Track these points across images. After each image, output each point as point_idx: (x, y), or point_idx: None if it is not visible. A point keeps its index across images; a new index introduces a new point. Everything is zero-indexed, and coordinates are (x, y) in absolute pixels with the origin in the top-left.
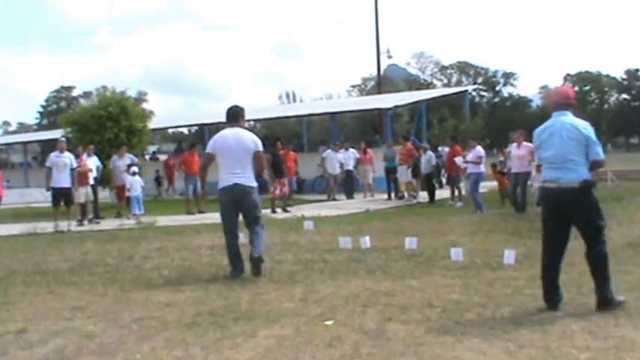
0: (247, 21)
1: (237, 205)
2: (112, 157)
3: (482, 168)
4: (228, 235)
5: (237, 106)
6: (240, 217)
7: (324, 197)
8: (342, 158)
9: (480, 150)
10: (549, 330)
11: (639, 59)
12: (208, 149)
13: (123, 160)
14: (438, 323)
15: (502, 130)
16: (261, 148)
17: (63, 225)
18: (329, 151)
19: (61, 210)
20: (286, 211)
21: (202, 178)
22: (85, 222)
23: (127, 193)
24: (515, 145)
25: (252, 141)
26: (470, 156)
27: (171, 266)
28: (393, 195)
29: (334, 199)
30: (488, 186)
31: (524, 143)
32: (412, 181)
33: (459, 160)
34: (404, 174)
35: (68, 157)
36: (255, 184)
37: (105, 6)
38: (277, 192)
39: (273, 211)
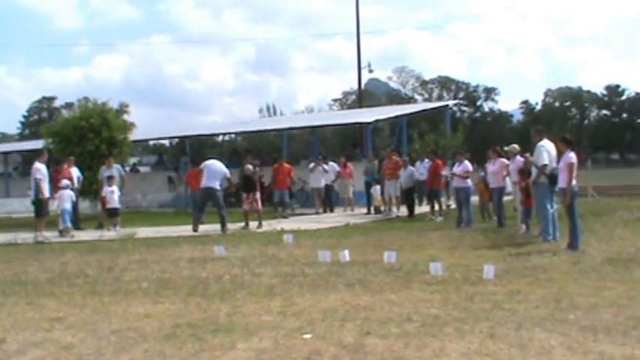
0: (228, 34)
1: (207, 197)
2: (100, 168)
3: (470, 182)
4: (197, 211)
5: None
6: None
7: (305, 211)
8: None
9: (467, 164)
10: (528, 345)
11: (620, 75)
12: (201, 166)
13: (110, 171)
14: (417, 338)
15: (483, 145)
16: (228, 173)
17: (46, 235)
18: (313, 165)
19: (46, 220)
20: (260, 225)
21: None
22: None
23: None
24: (492, 160)
25: (224, 168)
26: (458, 169)
27: (151, 278)
28: (372, 209)
29: (317, 213)
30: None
31: (499, 159)
32: (397, 195)
33: (445, 171)
34: (391, 188)
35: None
36: (218, 187)
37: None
38: (245, 207)
39: (245, 226)
